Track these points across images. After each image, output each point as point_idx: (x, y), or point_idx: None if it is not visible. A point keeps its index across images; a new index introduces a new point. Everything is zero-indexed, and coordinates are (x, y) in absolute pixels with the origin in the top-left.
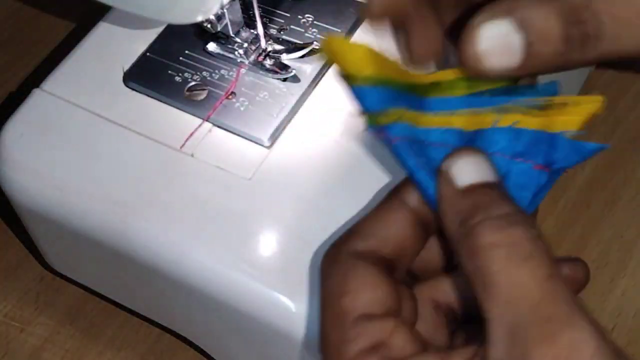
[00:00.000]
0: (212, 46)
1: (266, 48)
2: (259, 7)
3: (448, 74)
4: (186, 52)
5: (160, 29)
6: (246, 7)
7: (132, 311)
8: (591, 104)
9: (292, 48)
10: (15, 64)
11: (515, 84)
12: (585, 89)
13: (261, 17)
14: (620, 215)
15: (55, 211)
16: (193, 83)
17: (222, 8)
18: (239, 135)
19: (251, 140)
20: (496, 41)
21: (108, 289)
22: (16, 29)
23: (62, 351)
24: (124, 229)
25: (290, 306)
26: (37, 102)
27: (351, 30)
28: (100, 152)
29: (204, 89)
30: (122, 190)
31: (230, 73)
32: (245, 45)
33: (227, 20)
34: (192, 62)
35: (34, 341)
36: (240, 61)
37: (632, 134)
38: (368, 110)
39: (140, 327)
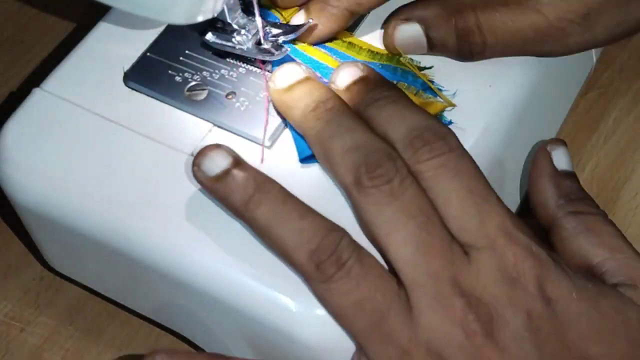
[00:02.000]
0: (209, 36)
1: (264, 33)
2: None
3: (362, 43)
4: (186, 52)
5: (160, 29)
6: None
7: (132, 311)
8: (441, 105)
9: (288, 30)
10: (15, 64)
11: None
12: (586, 89)
13: (259, 5)
14: (620, 215)
15: (55, 211)
16: (193, 83)
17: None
18: (239, 135)
19: (251, 140)
20: (409, 39)
21: (108, 289)
22: (16, 29)
23: (62, 351)
24: (124, 229)
25: (291, 306)
26: (37, 102)
27: (351, 29)
28: (100, 152)
29: (204, 89)
30: (122, 190)
31: (231, 73)
32: (243, 31)
33: (224, 7)
34: (192, 62)
35: (34, 341)
36: (239, 48)
37: (632, 134)
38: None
39: (140, 327)
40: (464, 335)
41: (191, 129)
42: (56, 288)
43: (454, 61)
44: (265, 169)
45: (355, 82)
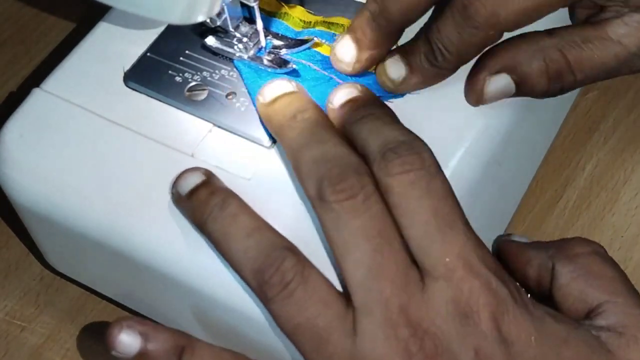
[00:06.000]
0: (210, 40)
1: (265, 44)
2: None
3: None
4: (186, 52)
5: (160, 29)
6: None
7: (132, 311)
8: None
9: (291, 43)
10: (15, 64)
11: None
12: (586, 89)
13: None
14: (620, 215)
15: (55, 211)
16: (193, 83)
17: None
18: (239, 135)
19: (251, 140)
20: (500, 90)
21: (108, 288)
22: (16, 29)
23: (62, 350)
24: (124, 229)
25: None
26: (37, 102)
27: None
28: (100, 152)
29: (204, 89)
30: (122, 190)
31: (231, 73)
32: (245, 40)
33: (226, 15)
34: (192, 62)
35: (34, 340)
36: (239, 55)
37: (632, 134)
38: None
39: None
40: None
41: (191, 129)
42: (56, 288)
43: None
44: (263, 169)
45: (348, 101)
